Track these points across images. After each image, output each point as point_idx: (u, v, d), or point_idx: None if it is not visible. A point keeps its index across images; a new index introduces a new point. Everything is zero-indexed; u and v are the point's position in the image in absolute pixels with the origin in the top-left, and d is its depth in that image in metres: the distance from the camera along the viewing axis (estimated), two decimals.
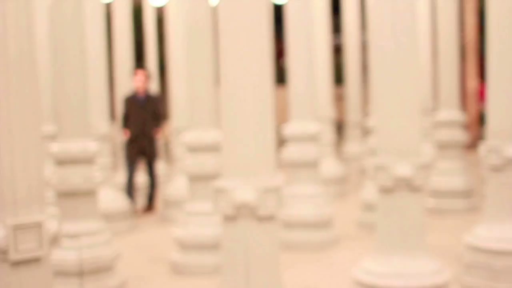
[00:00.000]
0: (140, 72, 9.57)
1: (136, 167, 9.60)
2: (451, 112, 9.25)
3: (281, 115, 11.22)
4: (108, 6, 11.54)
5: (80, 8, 5.56)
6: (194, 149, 6.35)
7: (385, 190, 4.64)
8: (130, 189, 9.47)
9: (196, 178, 6.35)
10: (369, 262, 4.73)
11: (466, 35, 17.35)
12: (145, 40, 13.55)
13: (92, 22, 8.15)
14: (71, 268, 5.40)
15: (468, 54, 17.55)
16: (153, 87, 11.29)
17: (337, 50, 17.25)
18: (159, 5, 13.74)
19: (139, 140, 9.48)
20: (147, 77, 9.63)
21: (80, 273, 5.43)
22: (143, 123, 9.48)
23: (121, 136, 10.47)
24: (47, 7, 8.19)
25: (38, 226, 2.93)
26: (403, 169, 4.52)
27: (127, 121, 9.58)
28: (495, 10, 5.32)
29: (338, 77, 16.80)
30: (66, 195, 5.49)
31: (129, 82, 10.40)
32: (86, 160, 5.56)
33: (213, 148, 6.29)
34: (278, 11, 12.36)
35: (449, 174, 9.25)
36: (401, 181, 4.53)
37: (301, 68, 7.28)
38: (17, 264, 2.91)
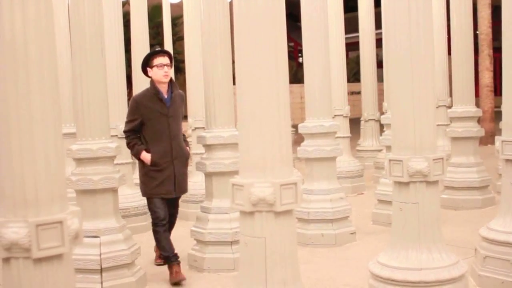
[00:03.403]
0: (165, 58, 6.23)
1: (166, 209, 6.28)
2: (466, 106, 9.22)
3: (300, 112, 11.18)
4: (125, 6, 11.57)
5: (99, 8, 5.62)
6: (211, 146, 6.40)
7: (401, 184, 4.67)
8: (165, 242, 6.22)
9: (214, 175, 6.41)
10: (385, 256, 4.76)
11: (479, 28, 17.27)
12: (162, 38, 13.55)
13: (110, 22, 8.21)
14: (91, 265, 5.46)
15: (481, 47, 17.45)
16: None
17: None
18: (175, 1, 13.78)
19: (169, 167, 6.19)
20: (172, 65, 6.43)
21: (100, 269, 5.50)
22: (173, 138, 6.21)
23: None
24: (67, 7, 8.27)
25: (60, 224, 2.97)
26: (419, 164, 4.54)
27: (135, 137, 6.23)
28: (510, 3, 5.31)
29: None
30: (86, 193, 5.56)
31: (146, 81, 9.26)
32: (106, 159, 5.63)
33: (230, 145, 6.34)
34: (293, 8, 12.38)
35: (464, 168, 9.24)
36: (417, 175, 4.56)
37: (317, 66, 7.31)
38: (40, 261, 2.93)
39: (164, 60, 6.18)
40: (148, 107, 6.12)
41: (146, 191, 6.25)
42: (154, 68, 6.17)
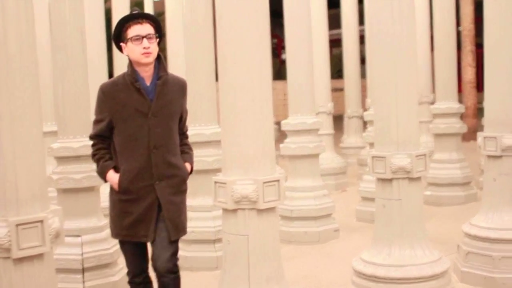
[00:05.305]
0: (144, 26, 4.05)
1: (144, 260, 4.35)
2: (449, 103, 9.26)
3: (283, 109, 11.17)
4: (107, 2, 11.54)
5: (79, 5, 5.58)
6: (194, 144, 6.37)
7: (383, 181, 4.67)
8: None
9: (197, 173, 6.38)
10: (368, 253, 4.76)
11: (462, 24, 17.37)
12: None
13: (92, 18, 8.16)
14: (73, 264, 5.43)
15: (464, 44, 17.54)
16: None
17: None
18: None
19: (148, 194, 4.09)
20: (158, 40, 4.14)
21: (82, 269, 5.46)
22: (154, 149, 4.08)
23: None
24: (47, 4, 8.20)
25: (40, 223, 2.95)
26: (401, 160, 4.55)
27: (104, 147, 4.22)
28: (492, 0, 5.33)
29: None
30: (68, 192, 5.52)
31: None
32: (87, 157, 5.59)
33: (213, 143, 6.32)
34: (276, 5, 12.37)
35: (447, 164, 9.28)
36: (399, 172, 4.56)
37: (300, 62, 7.30)
38: (20, 261, 2.92)
39: (143, 29, 4.03)
40: (120, 101, 4.08)
41: (114, 231, 4.24)
42: (129, 43, 4.06)
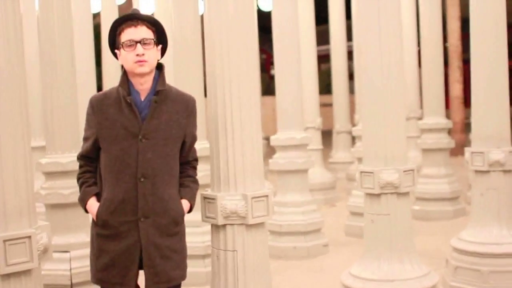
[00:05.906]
0: (139, 29, 3.37)
1: None
2: (436, 118, 9.30)
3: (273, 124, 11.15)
4: (96, 18, 11.56)
5: (68, 20, 5.57)
6: None
7: (372, 196, 4.68)
8: None
9: None
10: (357, 268, 4.76)
11: (449, 41, 17.46)
12: None
13: (81, 34, 8.16)
14: (61, 280, 5.39)
15: (451, 60, 17.63)
16: None
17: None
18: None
19: (130, 232, 3.38)
20: (158, 46, 3.49)
21: (71, 285, 5.43)
22: (142, 178, 3.37)
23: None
24: (35, 19, 8.19)
25: (28, 239, 2.94)
26: (389, 175, 4.56)
27: (89, 170, 3.56)
28: (478, 17, 5.37)
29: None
30: (56, 207, 5.49)
31: None
32: (76, 173, 5.56)
33: (201, 158, 6.30)
34: (265, 20, 12.41)
35: (435, 179, 9.30)
36: (388, 187, 4.57)
37: (288, 78, 7.32)
38: (8, 277, 2.90)
39: (137, 33, 3.37)
40: (108, 117, 3.43)
41: (91, 272, 3.54)
42: (122, 50, 3.40)
